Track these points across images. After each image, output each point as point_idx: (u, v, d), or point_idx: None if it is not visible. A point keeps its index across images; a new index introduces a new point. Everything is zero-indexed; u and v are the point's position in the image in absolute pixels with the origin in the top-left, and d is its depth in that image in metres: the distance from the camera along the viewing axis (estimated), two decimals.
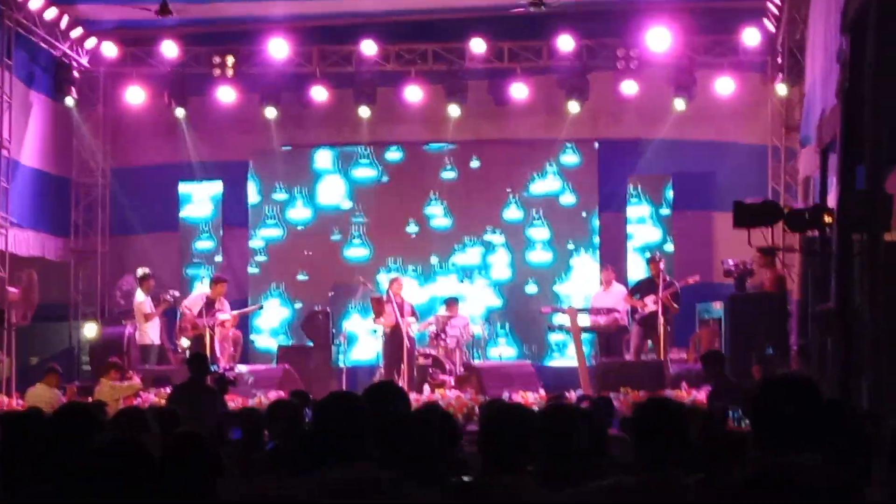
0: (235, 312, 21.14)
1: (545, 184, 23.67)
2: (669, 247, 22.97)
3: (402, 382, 19.65)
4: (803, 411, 4.74)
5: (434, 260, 23.74)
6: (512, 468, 5.26)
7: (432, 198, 23.86)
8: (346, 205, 23.99)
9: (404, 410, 6.04)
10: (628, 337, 21.03)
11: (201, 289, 21.70)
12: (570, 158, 23.73)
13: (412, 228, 23.86)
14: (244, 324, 22.56)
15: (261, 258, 24.11)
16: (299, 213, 24.09)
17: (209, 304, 20.55)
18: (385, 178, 24.05)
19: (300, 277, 23.87)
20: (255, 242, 24.15)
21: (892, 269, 10.37)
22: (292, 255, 23.99)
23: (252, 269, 24.12)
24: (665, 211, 23.29)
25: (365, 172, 24.08)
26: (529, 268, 23.62)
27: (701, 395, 18.03)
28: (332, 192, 24.07)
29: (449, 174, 23.98)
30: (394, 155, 24.12)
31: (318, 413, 5.60)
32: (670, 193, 23.25)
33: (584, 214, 23.59)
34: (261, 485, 5.92)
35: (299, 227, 24.07)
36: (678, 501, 5.03)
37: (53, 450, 5.73)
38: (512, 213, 23.69)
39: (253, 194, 24.22)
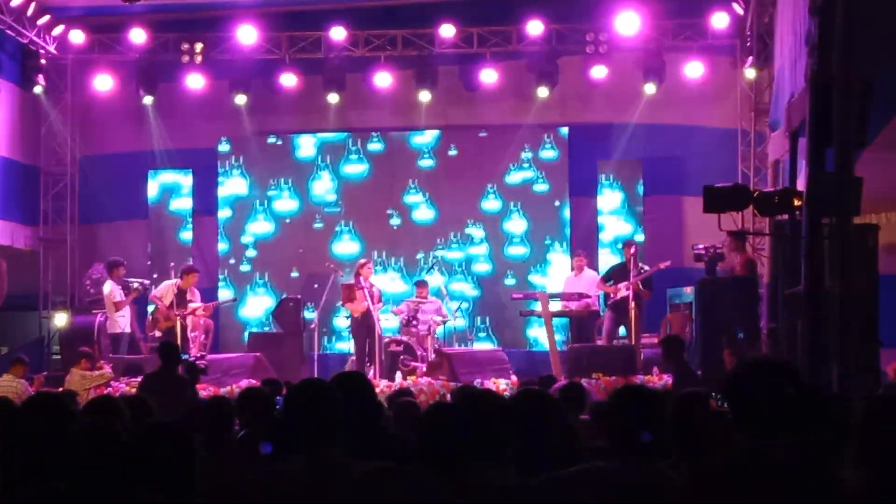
0: (210, 304, 21.13)
1: (520, 173, 23.65)
2: (640, 235, 22.99)
3: (374, 369, 19.68)
4: (781, 394, 4.74)
5: (419, 255, 23.66)
6: (482, 454, 5.25)
7: (411, 187, 23.79)
8: (332, 198, 23.92)
9: (370, 399, 6.03)
10: (600, 322, 21.06)
11: (171, 279, 21.49)
12: (546, 150, 23.70)
13: (395, 221, 23.80)
14: (216, 312, 22.56)
15: (251, 253, 24.03)
16: (285, 204, 24.01)
17: (181, 295, 20.50)
18: (368, 170, 23.99)
19: (293, 275, 23.72)
20: (246, 238, 24.09)
21: (860, 252, 10.41)
22: (281, 249, 23.89)
23: (243, 267, 24.02)
24: (636, 197, 23.31)
25: (353, 168, 23.96)
26: (508, 260, 23.56)
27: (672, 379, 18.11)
28: (320, 186, 23.98)
29: (427, 162, 23.92)
30: (375, 146, 24.01)
31: (289, 400, 5.58)
32: (640, 178, 23.28)
33: (556, 203, 23.56)
34: (235, 472, 5.90)
35: (286, 220, 23.98)
36: (651, 486, 5.03)
37: (24, 440, 5.70)
38: (490, 203, 23.64)
39: (241, 186, 24.13)
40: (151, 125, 23.68)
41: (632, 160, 23.27)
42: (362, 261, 21.33)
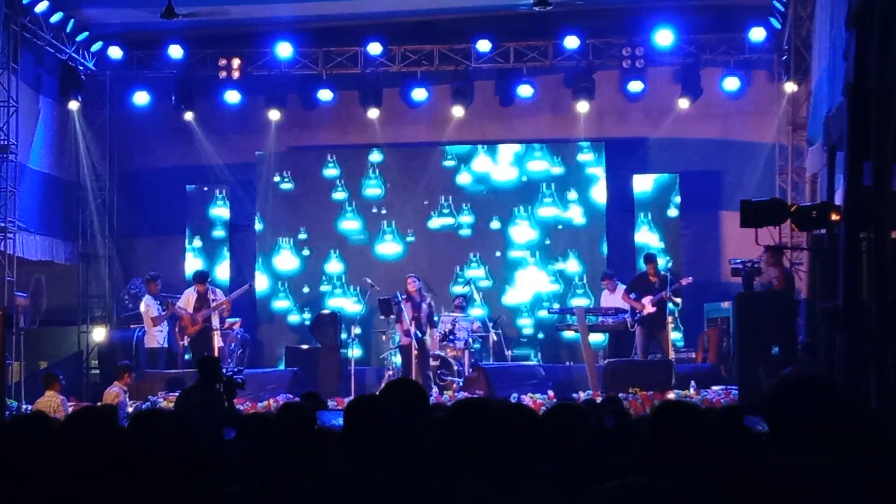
0: (227, 298, 21.12)
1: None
2: (673, 248, 22.97)
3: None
4: (820, 412, 4.72)
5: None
6: (513, 470, 5.24)
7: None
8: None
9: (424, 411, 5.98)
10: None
11: (189, 289, 21.51)
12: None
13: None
14: (252, 328, 22.67)
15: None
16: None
17: (201, 299, 20.64)
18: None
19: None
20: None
21: None
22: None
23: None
24: (672, 212, 23.23)
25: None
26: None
27: (711, 394, 18.06)
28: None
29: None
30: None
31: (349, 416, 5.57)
32: (677, 193, 23.21)
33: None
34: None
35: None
36: (687, 502, 5.01)
37: (64, 453, 5.73)
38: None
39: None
40: (189, 141, 23.79)
41: (668, 174, 23.24)
42: (408, 276, 21.16)
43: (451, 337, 20.70)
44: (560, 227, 23.51)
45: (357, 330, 21.44)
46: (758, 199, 14.55)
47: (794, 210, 14.25)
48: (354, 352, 21.31)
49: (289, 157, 24.28)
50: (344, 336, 21.47)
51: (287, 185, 24.15)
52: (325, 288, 23.81)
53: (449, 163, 23.90)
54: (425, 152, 23.96)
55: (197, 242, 24.23)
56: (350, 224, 23.96)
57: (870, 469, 4.79)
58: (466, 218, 23.79)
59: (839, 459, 4.57)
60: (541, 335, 23.28)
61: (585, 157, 23.53)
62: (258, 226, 24.10)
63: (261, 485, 5.68)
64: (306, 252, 23.99)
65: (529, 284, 23.49)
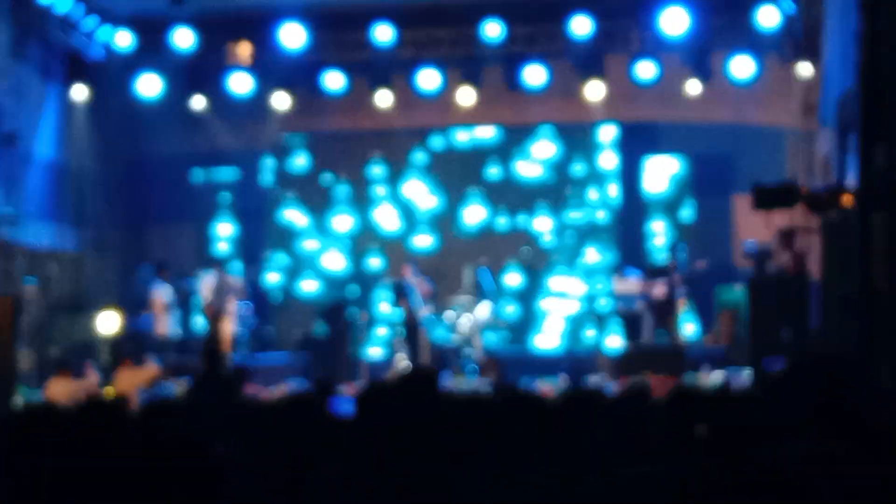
0: (240, 284, 21.34)
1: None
2: (685, 232, 22.99)
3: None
4: (831, 394, 4.67)
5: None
6: (520, 460, 5.20)
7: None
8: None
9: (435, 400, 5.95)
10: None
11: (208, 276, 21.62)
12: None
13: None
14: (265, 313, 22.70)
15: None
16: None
17: (218, 284, 20.76)
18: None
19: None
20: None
21: None
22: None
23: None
24: (686, 213, 23.29)
25: None
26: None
27: (724, 378, 18.02)
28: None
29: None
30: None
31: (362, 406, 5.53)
32: (689, 176, 23.19)
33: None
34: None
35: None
36: (697, 489, 4.96)
37: (76, 444, 5.70)
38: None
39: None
40: (198, 127, 23.75)
41: (680, 158, 23.24)
42: (404, 263, 21.30)
43: (459, 325, 20.72)
44: (584, 226, 23.68)
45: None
46: (770, 183, 14.50)
47: (806, 193, 14.20)
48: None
49: (310, 143, 24.37)
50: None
51: (310, 173, 24.39)
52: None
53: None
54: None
55: (207, 229, 24.29)
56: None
57: (879, 456, 4.74)
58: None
59: (849, 445, 4.52)
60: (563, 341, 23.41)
61: (604, 149, 23.61)
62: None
63: (268, 475, 5.64)
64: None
65: (559, 288, 23.56)
